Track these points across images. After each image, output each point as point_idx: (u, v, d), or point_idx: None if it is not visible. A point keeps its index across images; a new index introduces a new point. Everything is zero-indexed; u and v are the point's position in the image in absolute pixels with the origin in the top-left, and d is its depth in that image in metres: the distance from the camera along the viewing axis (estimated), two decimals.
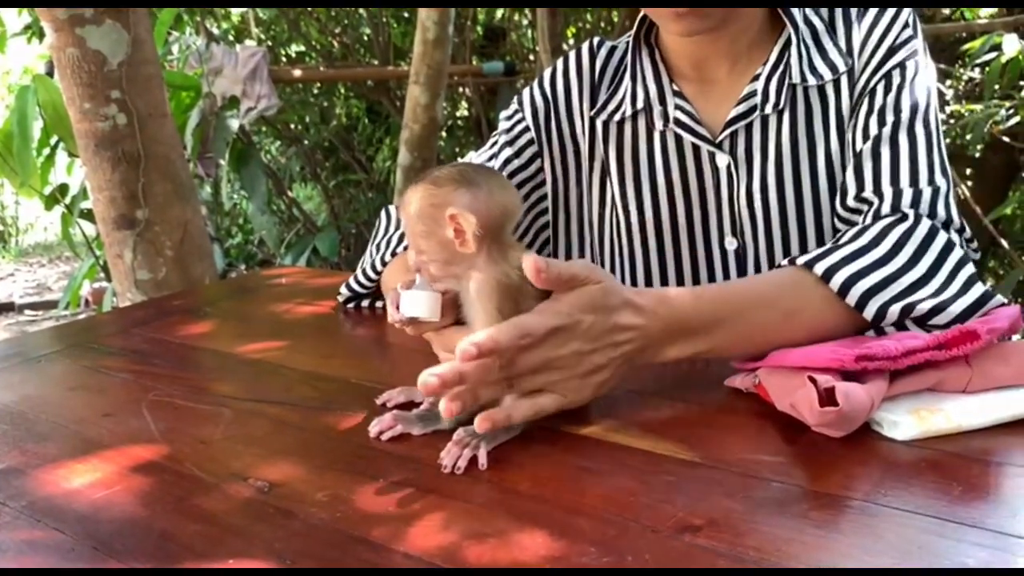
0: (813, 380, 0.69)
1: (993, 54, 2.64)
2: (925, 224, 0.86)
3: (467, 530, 0.59)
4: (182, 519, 0.62)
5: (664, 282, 1.08)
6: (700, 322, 0.79)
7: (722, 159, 1.03)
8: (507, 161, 1.12)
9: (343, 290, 1.19)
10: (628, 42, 1.13)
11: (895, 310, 0.81)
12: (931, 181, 0.91)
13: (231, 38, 5.12)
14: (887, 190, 0.91)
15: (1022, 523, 0.56)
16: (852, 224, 0.94)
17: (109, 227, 2.24)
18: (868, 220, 0.91)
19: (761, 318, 0.82)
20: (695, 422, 0.75)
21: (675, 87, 1.07)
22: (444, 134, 5.26)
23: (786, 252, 1.02)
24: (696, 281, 1.07)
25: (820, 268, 0.83)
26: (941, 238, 0.86)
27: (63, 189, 3.46)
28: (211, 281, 2.35)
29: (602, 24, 4.71)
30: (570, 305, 0.72)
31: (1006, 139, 3.14)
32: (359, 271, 1.16)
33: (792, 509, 0.59)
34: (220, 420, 0.80)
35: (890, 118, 0.95)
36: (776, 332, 0.81)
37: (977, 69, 3.10)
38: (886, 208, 0.90)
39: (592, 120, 1.11)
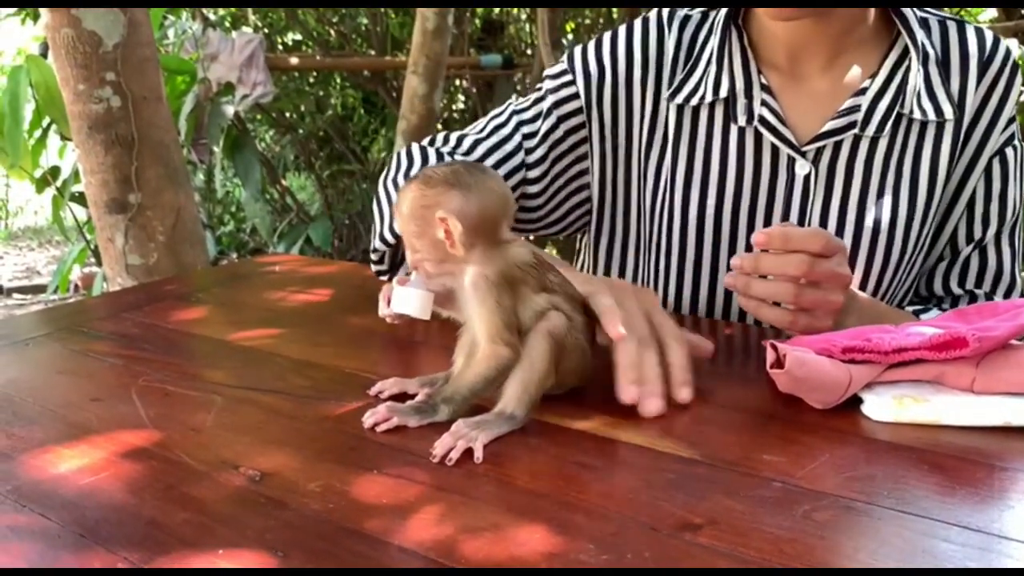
0: (774, 346, 0.76)
1: None
2: None
3: (463, 524, 0.58)
4: (171, 507, 0.61)
5: (712, 282, 1.03)
6: (876, 313, 0.90)
7: (802, 167, 0.98)
8: (546, 134, 1.05)
9: (378, 244, 1.03)
10: (702, 13, 1.04)
11: None
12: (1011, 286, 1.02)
13: (228, 24, 5.09)
14: (968, 291, 1.01)
15: None
16: (923, 303, 1.03)
17: (101, 211, 2.22)
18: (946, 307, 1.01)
19: None
20: (696, 420, 0.74)
21: (763, 80, 1.00)
22: (440, 127, 5.24)
23: None
24: None
25: None
26: None
27: (54, 172, 3.43)
28: (203, 268, 2.33)
29: (601, 21, 4.70)
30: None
31: None
32: (384, 228, 1.02)
33: (794, 510, 0.58)
34: (211, 407, 0.79)
35: (994, 221, 1.01)
36: None
37: None
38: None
39: (657, 99, 1.04)
